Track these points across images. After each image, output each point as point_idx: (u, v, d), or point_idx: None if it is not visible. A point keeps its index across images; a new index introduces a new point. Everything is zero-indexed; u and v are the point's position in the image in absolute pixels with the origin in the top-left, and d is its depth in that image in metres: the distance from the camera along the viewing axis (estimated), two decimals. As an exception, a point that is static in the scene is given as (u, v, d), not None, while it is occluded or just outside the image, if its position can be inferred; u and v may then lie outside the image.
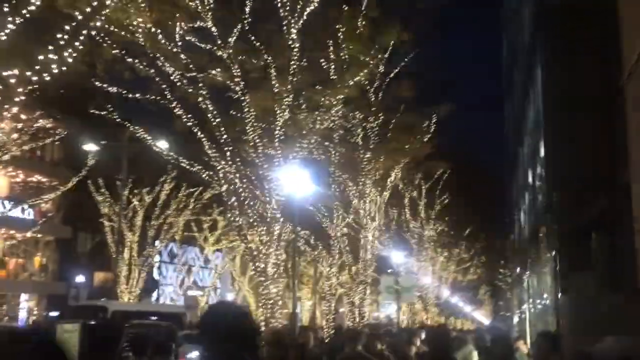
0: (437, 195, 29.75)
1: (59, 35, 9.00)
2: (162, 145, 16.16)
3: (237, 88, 14.44)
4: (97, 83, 13.16)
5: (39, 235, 32.19)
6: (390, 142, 18.61)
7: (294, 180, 12.91)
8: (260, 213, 13.69)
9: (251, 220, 13.73)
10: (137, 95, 13.40)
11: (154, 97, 13.36)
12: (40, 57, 8.73)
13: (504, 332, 6.16)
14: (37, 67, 8.86)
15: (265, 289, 13.41)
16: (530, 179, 13.84)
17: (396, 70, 18.97)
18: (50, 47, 8.97)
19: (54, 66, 8.71)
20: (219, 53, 14.52)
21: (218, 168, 13.68)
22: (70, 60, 8.99)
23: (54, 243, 33.27)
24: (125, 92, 13.28)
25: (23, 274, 32.02)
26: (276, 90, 14.40)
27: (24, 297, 32.26)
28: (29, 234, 30.70)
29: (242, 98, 14.45)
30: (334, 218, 17.57)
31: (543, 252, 11.36)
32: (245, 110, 14.48)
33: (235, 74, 14.39)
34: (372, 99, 18.20)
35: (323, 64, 14.98)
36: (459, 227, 33.72)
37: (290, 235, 18.98)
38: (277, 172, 13.57)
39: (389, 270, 22.70)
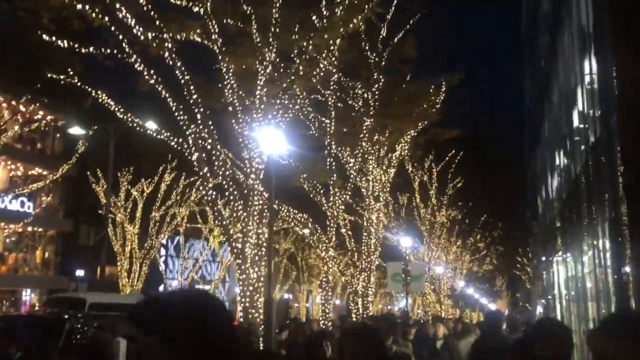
0: (449, 179, 26.89)
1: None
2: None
3: (215, 47, 11.98)
4: (44, 36, 10.77)
5: (39, 229, 30.34)
6: (393, 109, 15.94)
7: (271, 143, 10.35)
8: (237, 183, 11.15)
9: (226, 193, 11.20)
10: (91, 49, 10.98)
11: (109, 50, 10.91)
12: None
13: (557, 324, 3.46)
14: None
15: (243, 273, 10.85)
16: (564, 129, 11.12)
17: (401, 34, 16.39)
18: None
19: None
20: (195, 9, 12.08)
21: (188, 133, 11.19)
22: None
23: (55, 237, 31.32)
24: (76, 45, 10.84)
25: (24, 268, 30.07)
26: (258, 46, 11.88)
27: (25, 292, 30.36)
28: (29, 228, 28.82)
29: (220, 57, 11.99)
30: (330, 196, 14.95)
31: (584, 218, 8.71)
32: (224, 70, 12.01)
33: (212, 30, 11.92)
34: (373, 58, 15.53)
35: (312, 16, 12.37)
36: (473, 213, 30.73)
37: (288, 220, 16.51)
38: (255, 134, 11.01)
39: (401, 263, 19.93)
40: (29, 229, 29.21)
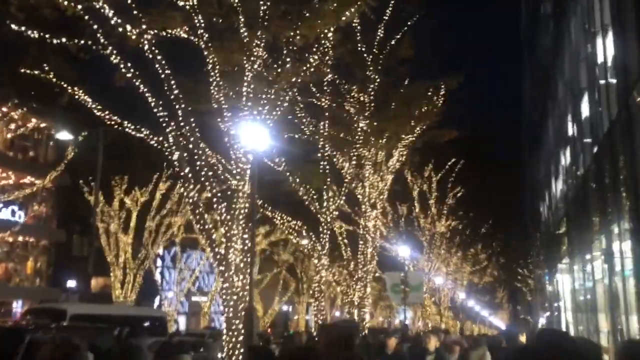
0: (449, 189, 25.88)
1: None
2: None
3: (201, 42, 11.09)
4: (12, 26, 9.89)
5: (31, 239, 29.29)
6: (390, 112, 15.02)
7: (255, 139, 9.41)
8: (221, 184, 10.17)
9: (209, 195, 10.22)
10: (63, 39, 10.08)
11: (84, 41, 10.01)
12: None
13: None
14: None
15: (226, 281, 9.81)
16: (571, 125, 10.17)
17: (398, 36, 15.55)
18: None
19: None
20: (181, 3, 11.22)
21: (168, 130, 10.24)
22: None
23: (48, 247, 30.23)
24: (47, 35, 9.95)
25: (15, 279, 28.95)
26: (245, 41, 10.99)
27: (16, 303, 29.20)
28: (20, 238, 27.78)
29: (206, 53, 11.10)
30: (324, 201, 13.94)
31: (595, 219, 7.72)
32: (210, 66, 11.12)
33: (198, 24, 11.06)
34: (369, 60, 14.65)
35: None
36: (474, 224, 29.65)
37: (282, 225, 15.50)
38: (240, 131, 10.06)
39: (400, 273, 18.83)
40: (20, 238, 28.18)
